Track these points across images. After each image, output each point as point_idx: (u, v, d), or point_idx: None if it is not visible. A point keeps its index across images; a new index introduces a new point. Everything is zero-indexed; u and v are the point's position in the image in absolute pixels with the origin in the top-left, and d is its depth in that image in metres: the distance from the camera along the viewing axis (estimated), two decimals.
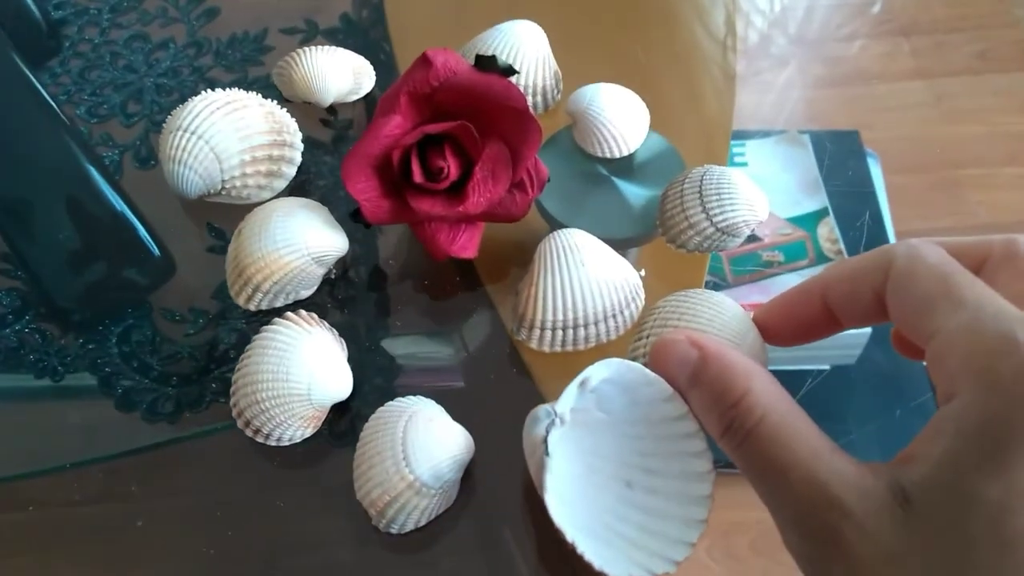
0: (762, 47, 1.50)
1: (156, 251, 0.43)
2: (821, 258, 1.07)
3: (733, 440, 0.27)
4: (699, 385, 0.29)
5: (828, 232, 1.10)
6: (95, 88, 0.54)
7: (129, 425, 0.41)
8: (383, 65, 0.55)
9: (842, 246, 1.09)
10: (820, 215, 1.11)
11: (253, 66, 0.55)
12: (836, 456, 0.25)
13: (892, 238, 1.15)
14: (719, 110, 0.55)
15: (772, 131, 1.22)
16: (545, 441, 0.32)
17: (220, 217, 0.48)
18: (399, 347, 0.43)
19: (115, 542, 0.38)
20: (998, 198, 1.30)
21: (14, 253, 0.43)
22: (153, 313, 0.44)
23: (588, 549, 0.31)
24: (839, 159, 1.20)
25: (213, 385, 0.42)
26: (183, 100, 0.52)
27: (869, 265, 0.28)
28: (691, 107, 0.55)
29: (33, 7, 0.59)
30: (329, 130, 0.52)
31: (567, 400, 0.33)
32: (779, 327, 0.33)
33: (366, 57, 0.53)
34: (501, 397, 0.42)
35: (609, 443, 0.36)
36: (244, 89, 0.52)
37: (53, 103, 0.48)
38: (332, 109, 0.52)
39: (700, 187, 0.42)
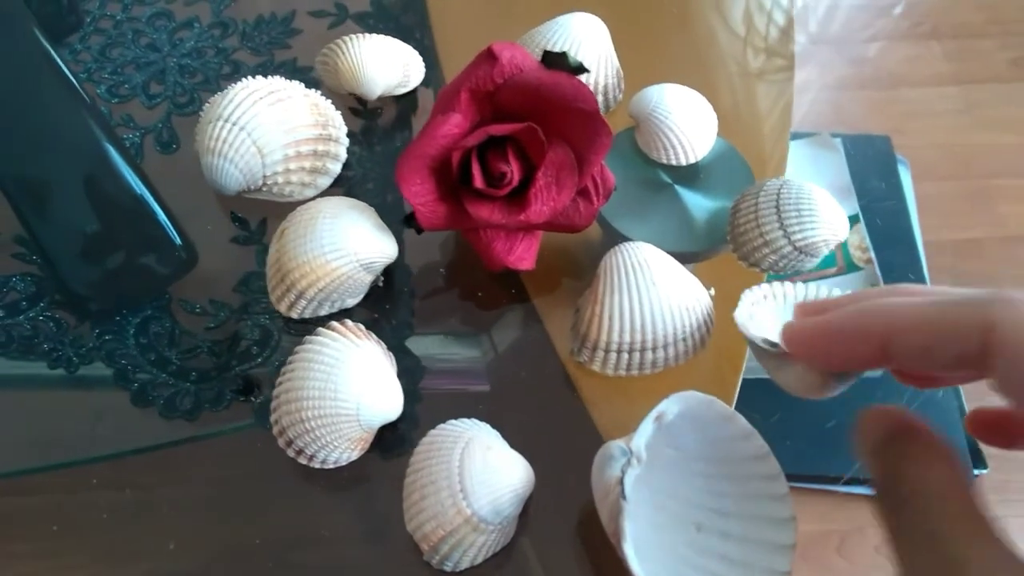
0: (782, 44, 1.46)
1: (177, 240, 0.41)
2: (851, 267, 1.04)
3: None
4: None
5: (859, 240, 1.07)
6: (116, 67, 0.52)
7: (145, 421, 0.39)
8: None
9: (872, 255, 1.06)
10: (851, 222, 1.09)
11: (280, 49, 0.53)
12: None
13: (921, 249, 1.13)
14: (776, 112, 0.52)
15: (802, 133, 1.19)
16: (621, 483, 0.29)
17: (244, 207, 0.45)
18: (444, 361, 0.41)
19: (123, 531, 0.36)
20: None
21: (30, 236, 0.41)
22: (172, 304, 0.43)
23: None
24: (870, 165, 1.17)
25: (234, 383, 0.40)
26: (207, 82, 0.50)
27: (960, 322, 0.23)
28: (747, 108, 0.53)
29: None
30: (360, 120, 0.49)
31: (642, 437, 0.30)
32: (817, 351, 0.27)
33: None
34: (553, 420, 0.39)
35: (677, 481, 0.33)
36: (270, 73, 0.50)
37: (75, 81, 0.46)
38: (362, 100, 0.49)
39: (777, 202, 0.40)
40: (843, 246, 1.07)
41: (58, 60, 0.47)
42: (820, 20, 1.57)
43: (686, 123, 0.43)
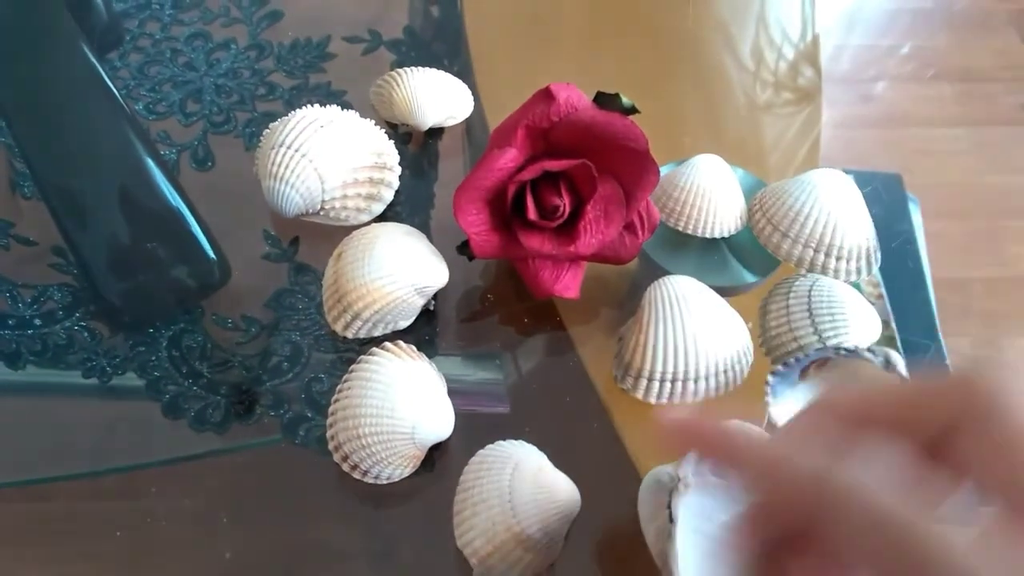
0: (791, 78, 1.49)
1: (212, 255, 0.42)
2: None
3: None
4: None
5: (870, 276, 1.09)
6: (154, 84, 0.53)
7: (176, 432, 0.40)
8: None
9: (883, 291, 1.08)
10: None
11: (314, 73, 0.54)
12: None
13: (931, 287, 1.14)
14: (804, 154, 0.54)
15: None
16: (669, 507, 0.30)
17: (276, 224, 0.47)
18: (488, 383, 0.42)
19: (141, 541, 0.37)
20: None
21: (68, 246, 0.42)
22: (205, 318, 0.44)
23: None
24: (881, 202, 1.19)
25: (264, 397, 0.41)
26: (243, 102, 0.52)
27: None
28: (776, 147, 0.55)
29: None
30: (409, 149, 0.51)
31: (689, 463, 0.31)
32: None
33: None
34: (591, 445, 0.40)
35: (721, 507, 0.35)
36: (305, 96, 0.52)
37: (118, 95, 0.47)
38: (411, 130, 0.51)
39: (809, 305, 0.41)
40: (855, 281, 1.08)
41: (104, 76, 0.48)
42: (829, 58, 1.60)
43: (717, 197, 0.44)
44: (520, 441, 0.37)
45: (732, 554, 0.24)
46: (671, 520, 0.30)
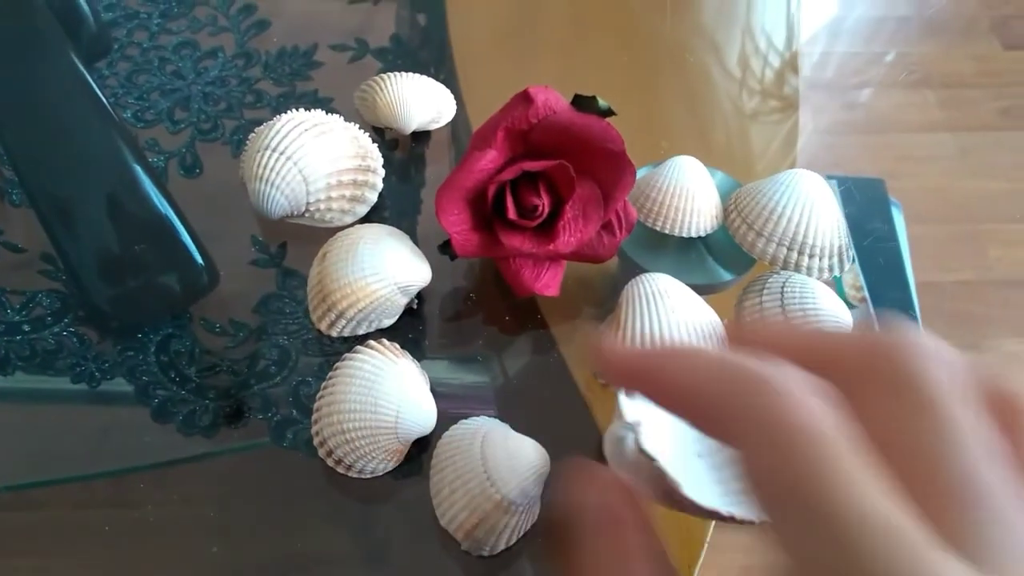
0: (776, 86, 1.50)
1: (200, 261, 0.42)
2: (846, 305, 1.07)
3: None
4: None
5: (853, 279, 1.10)
6: (142, 92, 0.54)
7: (165, 436, 0.40)
8: None
9: (866, 294, 1.09)
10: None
11: (301, 81, 0.55)
12: None
13: (913, 289, 1.16)
14: (783, 160, 0.55)
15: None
16: (643, 450, 0.31)
17: (264, 230, 0.47)
18: (470, 381, 0.43)
19: (132, 548, 0.37)
20: (1017, 254, 1.31)
21: (57, 252, 0.42)
22: (193, 323, 0.44)
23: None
24: (864, 206, 1.21)
25: (252, 401, 0.41)
26: (230, 110, 0.53)
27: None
28: (754, 152, 0.56)
29: (84, 5, 0.58)
30: (392, 153, 0.52)
31: (626, 407, 0.32)
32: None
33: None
34: (570, 438, 0.41)
35: (666, 432, 0.35)
36: (292, 103, 0.53)
37: (107, 103, 0.47)
38: (394, 134, 0.52)
39: (782, 300, 0.41)
40: (838, 285, 1.09)
41: (92, 83, 0.48)
42: (814, 65, 1.62)
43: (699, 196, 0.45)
44: (482, 417, 0.38)
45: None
46: (654, 460, 0.30)
